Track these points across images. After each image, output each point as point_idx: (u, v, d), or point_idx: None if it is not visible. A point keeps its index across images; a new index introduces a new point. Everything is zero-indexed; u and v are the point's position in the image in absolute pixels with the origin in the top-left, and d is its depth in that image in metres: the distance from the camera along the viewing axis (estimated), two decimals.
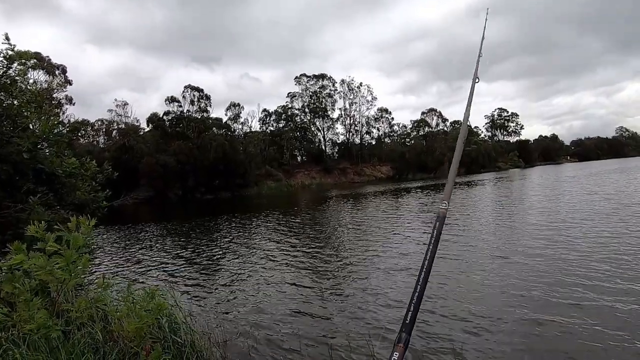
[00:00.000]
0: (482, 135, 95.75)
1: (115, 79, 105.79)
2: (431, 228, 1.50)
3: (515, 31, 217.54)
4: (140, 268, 10.10)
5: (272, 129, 70.53)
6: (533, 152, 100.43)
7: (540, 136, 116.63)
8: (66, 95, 43.46)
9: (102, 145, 54.23)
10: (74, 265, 3.13)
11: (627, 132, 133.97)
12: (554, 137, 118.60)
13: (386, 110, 78.95)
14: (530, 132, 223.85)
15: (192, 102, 57.86)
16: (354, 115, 76.81)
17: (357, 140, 76.65)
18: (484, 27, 2.03)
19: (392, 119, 79.96)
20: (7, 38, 4.75)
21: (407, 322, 1.38)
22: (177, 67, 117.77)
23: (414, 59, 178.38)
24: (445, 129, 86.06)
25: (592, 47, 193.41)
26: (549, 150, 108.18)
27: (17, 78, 4.97)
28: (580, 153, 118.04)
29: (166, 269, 9.80)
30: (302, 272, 8.32)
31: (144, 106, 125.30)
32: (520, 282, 6.40)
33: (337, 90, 74.92)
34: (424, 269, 1.46)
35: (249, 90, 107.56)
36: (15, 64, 4.90)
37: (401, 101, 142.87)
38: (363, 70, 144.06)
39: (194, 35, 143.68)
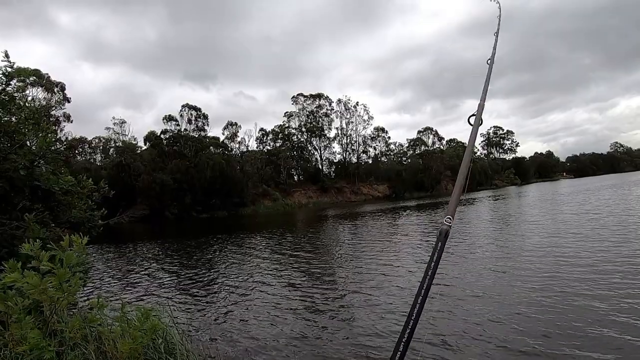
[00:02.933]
0: (478, 153, 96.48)
1: (109, 95, 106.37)
2: (430, 250, 1.45)
3: (507, 48, 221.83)
4: (135, 287, 9.92)
5: (269, 148, 70.60)
6: (529, 169, 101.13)
7: (536, 153, 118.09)
8: (64, 113, 43.56)
9: (99, 163, 54.22)
10: (67, 284, 3.05)
11: (621, 148, 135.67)
12: (550, 154, 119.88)
13: (382, 129, 79.36)
14: (526, 149, 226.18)
15: (189, 121, 58.12)
16: (350, 134, 77.21)
17: (354, 160, 76.85)
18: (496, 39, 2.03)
19: (389, 137, 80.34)
20: (7, 55, 4.77)
21: (403, 341, 1.37)
22: (171, 85, 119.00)
23: (408, 77, 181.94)
24: (442, 147, 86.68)
25: (584, 64, 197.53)
26: (544, 167, 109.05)
27: (15, 95, 4.96)
28: (575, 169, 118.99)
29: (162, 288, 9.63)
30: (299, 294, 8.18)
31: (139, 123, 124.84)
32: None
33: (333, 109, 75.40)
34: (423, 289, 1.42)
35: (245, 108, 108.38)
36: (14, 81, 4.90)
37: (396, 119, 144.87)
38: (358, 88, 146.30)
39: (188, 53, 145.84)
